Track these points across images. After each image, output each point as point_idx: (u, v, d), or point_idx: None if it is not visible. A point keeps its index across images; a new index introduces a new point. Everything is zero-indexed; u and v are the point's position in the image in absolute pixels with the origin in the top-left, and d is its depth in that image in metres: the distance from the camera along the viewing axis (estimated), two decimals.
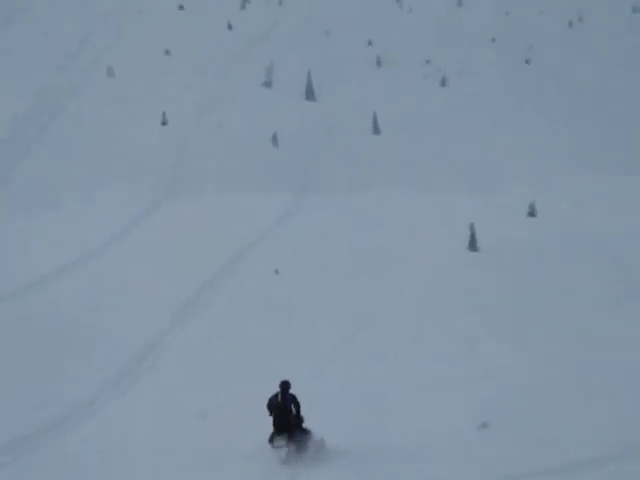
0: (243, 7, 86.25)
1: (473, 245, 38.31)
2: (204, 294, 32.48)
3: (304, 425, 18.43)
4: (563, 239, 39.52)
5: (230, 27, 79.83)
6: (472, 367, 25.19)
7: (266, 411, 18.28)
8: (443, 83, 69.79)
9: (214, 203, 46.58)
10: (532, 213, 44.59)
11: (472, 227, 38.45)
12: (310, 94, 65.01)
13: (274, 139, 56.76)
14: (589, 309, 30.08)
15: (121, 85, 66.32)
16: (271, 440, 18.27)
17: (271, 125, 58.23)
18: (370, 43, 77.43)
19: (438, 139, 59.26)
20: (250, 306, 31.04)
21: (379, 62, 73.19)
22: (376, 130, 59.82)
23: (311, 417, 18.55)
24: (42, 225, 42.00)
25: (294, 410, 18.24)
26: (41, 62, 68.31)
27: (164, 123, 59.40)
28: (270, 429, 18.28)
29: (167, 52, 73.17)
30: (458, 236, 38.94)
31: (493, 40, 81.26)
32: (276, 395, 18.24)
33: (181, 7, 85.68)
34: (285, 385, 18.27)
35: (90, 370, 25.27)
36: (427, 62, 74.29)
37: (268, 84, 67.09)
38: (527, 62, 75.89)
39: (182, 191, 49.10)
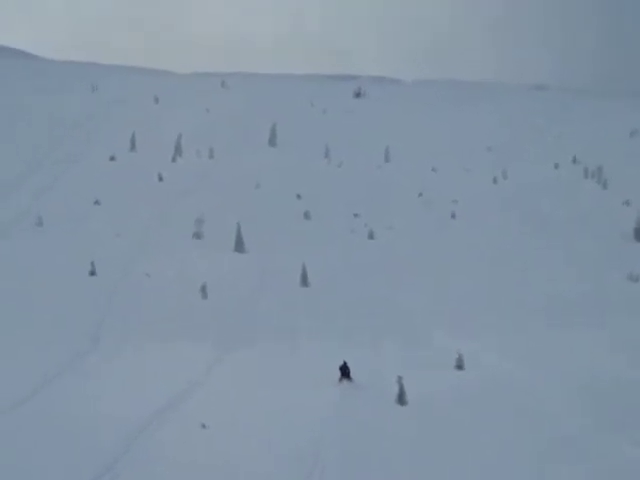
0: (174, 159, 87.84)
1: (402, 399, 38.44)
2: (126, 453, 31.47)
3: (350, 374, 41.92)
4: (491, 395, 39.88)
5: (161, 178, 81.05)
6: None
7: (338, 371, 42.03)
8: (371, 236, 71.25)
9: (140, 354, 46.14)
10: (460, 366, 45.03)
11: (400, 380, 38.66)
12: (239, 246, 65.77)
13: (203, 290, 56.96)
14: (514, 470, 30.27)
15: (49, 234, 66.45)
16: (340, 379, 41.84)
17: (200, 276, 58.56)
18: (299, 197, 79.16)
19: (366, 291, 60.09)
20: (175, 465, 30.33)
21: (308, 215, 74.62)
22: (304, 282, 60.47)
23: None
24: None
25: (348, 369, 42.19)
26: None
27: (92, 273, 59.32)
28: None
29: (97, 202, 73.78)
30: (386, 390, 39.11)
31: (420, 195, 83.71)
32: (343, 365, 42.18)
33: (112, 158, 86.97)
34: (345, 362, 42.23)
35: None
36: (355, 216, 76.00)
37: (198, 235, 67.78)
38: (453, 217, 78.09)
39: (108, 342, 48.56)
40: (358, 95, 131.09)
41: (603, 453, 31.90)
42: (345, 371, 42.21)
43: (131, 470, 29.53)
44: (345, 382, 41.86)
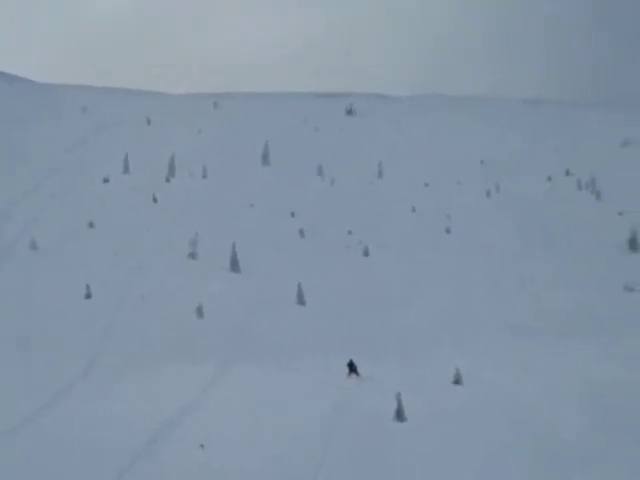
0: (168, 180, 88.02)
1: (400, 415, 38.56)
2: (125, 475, 31.55)
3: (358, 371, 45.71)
4: (490, 409, 39.98)
5: (155, 200, 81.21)
6: None
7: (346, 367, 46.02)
8: (366, 253, 71.46)
9: (137, 376, 46.22)
10: (457, 381, 45.18)
11: (398, 397, 38.79)
12: (235, 266, 65.93)
13: (199, 311, 57.11)
14: None
15: (44, 258, 66.56)
16: (349, 374, 45.59)
17: (196, 297, 58.69)
18: (293, 215, 79.38)
19: (362, 308, 60.27)
20: None
21: (302, 233, 74.85)
22: (301, 301, 60.65)
23: None
24: None
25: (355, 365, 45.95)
26: None
27: (88, 296, 59.48)
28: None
29: (91, 225, 73.94)
30: (384, 407, 39.24)
31: (413, 210, 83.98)
32: (350, 362, 45.89)
33: (106, 180, 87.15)
34: (351, 360, 46.06)
35: None
36: (349, 233, 76.23)
37: (193, 256, 67.93)
38: (447, 231, 78.34)
39: (103, 366, 48.65)
40: (350, 112, 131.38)
41: (605, 460, 32.18)
42: (353, 367, 46.32)
43: None
44: (354, 377, 46.02)
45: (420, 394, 41.73)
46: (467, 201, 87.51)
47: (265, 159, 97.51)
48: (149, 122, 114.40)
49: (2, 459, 32.89)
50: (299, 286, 60.83)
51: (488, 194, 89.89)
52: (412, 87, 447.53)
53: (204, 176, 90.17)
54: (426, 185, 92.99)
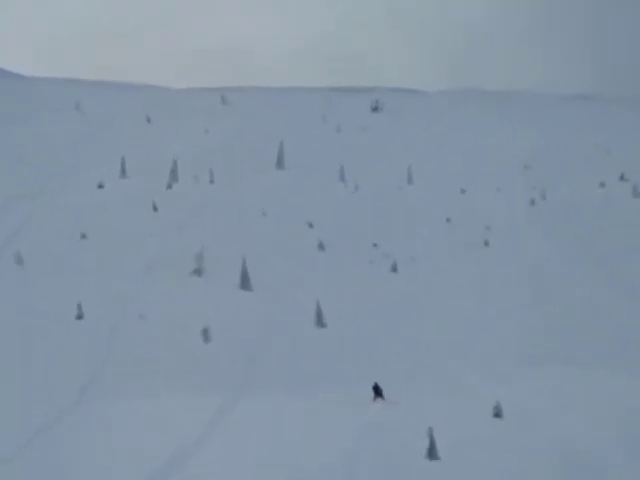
0: (170, 186, 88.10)
1: (433, 453, 38.21)
2: None
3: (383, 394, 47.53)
4: (535, 445, 39.57)
5: (155, 208, 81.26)
6: None
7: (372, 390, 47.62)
8: (393, 269, 71.19)
9: (135, 408, 46.12)
10: (498, 414, 44.79)
11: (430, 432, 38.43)
12: (246, 283, 65.87)
13: (205, 334, 57.00)
14: None
15: (30, 273, 66.67)
16: (375, 398, 47.31)
17: (202, 318, 58.60)
18: (311, 225, 79.23)
19: (388, 331, 60.01)
20: None
21: (321, 246, 74.70)
22: (320, 323, 60.47)
23: None
24: None
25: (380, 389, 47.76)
26: None
27: (79, 317, 59.47)
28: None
29: (83, 236, 74.05)
30: (415, 442, 38.91)
31: (448, 220, 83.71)
32: (376, 385, 47.47)
33: (100, 186, 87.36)
34: (376, 383, 47.51)
35: None
36: (375, 246, 76.00)
37: (199, 272, 67.91)
38: (486, 244, 78.00)
39: (97, 396, 48.59)
40: (376, 109, 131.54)
41: None
42: (378, 390, 47.74)
43: None
44: (380, 401, 47.35)
45: (455, 428, 41.32)
46: (509, 210, 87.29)
47: (280, 162, 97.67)
48: (149, 120, 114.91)
49: None
50: (318, 306, 60.65)
51: (532, 202, 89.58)
52: (439, 81, 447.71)
53: (211, 181, 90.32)
54: (462, 192, 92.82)
